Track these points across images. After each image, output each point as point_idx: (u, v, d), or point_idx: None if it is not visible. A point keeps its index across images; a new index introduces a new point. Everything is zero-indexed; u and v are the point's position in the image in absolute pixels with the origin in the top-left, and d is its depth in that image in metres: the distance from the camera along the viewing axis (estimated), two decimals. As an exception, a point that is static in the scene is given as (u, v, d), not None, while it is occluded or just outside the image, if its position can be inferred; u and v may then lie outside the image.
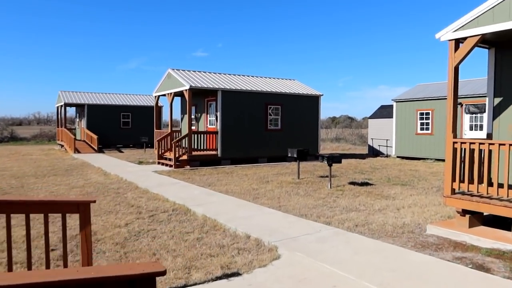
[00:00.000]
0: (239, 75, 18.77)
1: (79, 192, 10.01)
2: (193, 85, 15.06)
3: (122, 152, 24.59)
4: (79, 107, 28.94)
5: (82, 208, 3.26)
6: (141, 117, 28.59)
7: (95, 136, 23.77)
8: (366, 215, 7.35)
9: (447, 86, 6.39)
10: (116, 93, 29.89)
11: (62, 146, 26.27)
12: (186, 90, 15.16)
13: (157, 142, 16.74)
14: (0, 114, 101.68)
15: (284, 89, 18.08)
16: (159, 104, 22.09)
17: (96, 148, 23.59)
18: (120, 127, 28.29)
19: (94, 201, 3.32)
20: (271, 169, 14.85)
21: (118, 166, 15.77)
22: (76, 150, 22.62)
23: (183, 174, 13.21)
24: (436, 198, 9.11)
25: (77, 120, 30.85)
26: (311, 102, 18.61)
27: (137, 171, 13.97)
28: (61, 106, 27.20)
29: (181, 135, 17.21)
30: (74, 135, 29.60)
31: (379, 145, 22.41)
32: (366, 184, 11.17)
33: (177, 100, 19.76)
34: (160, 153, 16.57)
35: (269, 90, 17.14)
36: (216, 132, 15.98)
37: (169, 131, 16.87)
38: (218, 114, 15.85)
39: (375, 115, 23.49)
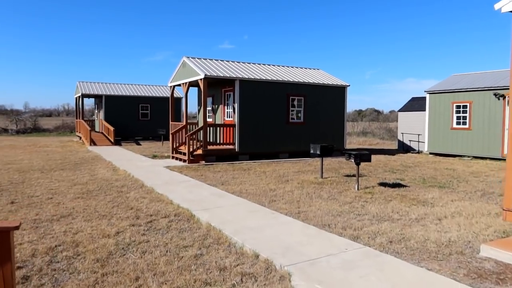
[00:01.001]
0: (259, 64, 17.59)
1: (80, 190, 9.17)
2: (208, 74, 13.99)
3: (139, 144, 23.92)
4: (98, 98, 28.47)
5: (-1, 239, 2.23)
6: (160, 108, 27.78)
7: (111, 128, 23.15)
8: (401, 227, 6.12)
9: (510, 71, 5.05)
10: (135, 84, 29.23)
11: (80, 138, 25.86)
12: (201, 79, 14.12)
13: (171, 135, 15.83)
14: (31, 106, 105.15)
15: (308, 79, 16.80)
16: (176, 95, 21.24)
17: (112, 140, 22.97)
18: (139, 119, 27.64)
19: (17, 227, 2.28)
20: (292, 165, 13.68)
21: (130, 160, 14.96)
22: (92, 142, 22.06)
23: (196, 171, 12.22)
24: (484, 205, 7.75)
25: (96, 111, 30.45)
26: (337, 93, 17.26)
27: (148, 167, 13.09)
28: (79, 97, 26.76)
29: (197, 128, 16.24)
30: (93, 126, 29.24)
31: (410, 140, 20.83)
32: (399, 185, 9.86)
33: (195, 90, 18.80)
34: (174, 146, 15.66)
35: (292, 80, 15.91)
36: (234, 125, 14.90)
37: (184, 123, 15.92)
38: (236, 105, 14.76)
39: (405, 108, 21.86)
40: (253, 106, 15.00)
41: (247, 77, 14.83)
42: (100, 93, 26.38)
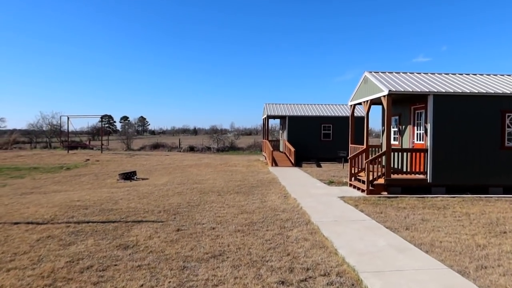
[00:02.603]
0: (460, 74, 14.33)
1: (244, 220, 8.52)
2: (393, 89, 11.85)
3: (320, 166, 23.02)
4: (282, 118, 29.13)
5: None
6: (343, 128, 26.28)
7: (292, 149, 23.01)
8: None
9: None
10: (317, 104, 28.76)
11: (265, 157, 26.73)
12: (384, 96, 12.10)
13: (350, 160, 14.21)
14: (236, 126, 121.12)
15: (532, 89, 12.70)
16: (357, 114, 19.58)
17: (293, 161, 22.75)
18: (321, 139, 26.89)
19: None
20: (511, 207, 10.19)
21: (304, 185, 13.97)
22: (274, 163, 22.28)
23: (375, 205, 10.24)
24: None
25: (280, 132, 31.27)
26: None
27: (320, 195, 11.78)
28: (265, 118, 27.85)
29: (379, 152, 14.17)
30: (278, 146, 30.02)
31: None
32: None
33: (378, 109, 16.74)
34: (353, 172, 13.96)
35: (508, 92, 12.23)
36: (425, 150, 12.26)
37: (364, 146, 14.07)
38: (428, 126, 12.11)
39: None
40: (452, 126, 12.05)
41: (443, 90, 12.04)
42: (284, 114, 26.83)
